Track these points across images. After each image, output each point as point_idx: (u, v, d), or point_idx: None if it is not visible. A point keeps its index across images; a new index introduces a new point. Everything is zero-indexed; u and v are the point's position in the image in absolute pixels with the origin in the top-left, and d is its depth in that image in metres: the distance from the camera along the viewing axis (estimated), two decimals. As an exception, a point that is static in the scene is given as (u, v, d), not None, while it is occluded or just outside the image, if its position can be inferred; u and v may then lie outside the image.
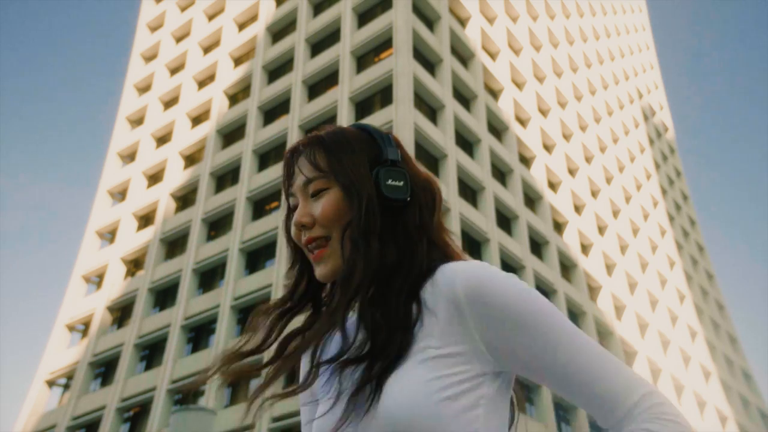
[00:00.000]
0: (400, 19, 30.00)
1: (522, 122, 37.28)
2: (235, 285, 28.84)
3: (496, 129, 34.91)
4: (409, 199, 1.03)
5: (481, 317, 0.92)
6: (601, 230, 41.11)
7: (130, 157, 40.01)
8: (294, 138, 31.00)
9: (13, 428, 32.62)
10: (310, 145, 1.07)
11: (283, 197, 1.13)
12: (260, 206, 31.41)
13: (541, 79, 41.15)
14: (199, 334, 30.00)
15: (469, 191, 30.29)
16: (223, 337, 27.57)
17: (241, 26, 39.23)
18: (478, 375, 0.93)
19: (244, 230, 30.28)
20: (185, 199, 35.39)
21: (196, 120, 37.89)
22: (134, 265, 35.56)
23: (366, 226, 1.00)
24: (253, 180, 31.70)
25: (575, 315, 34.00)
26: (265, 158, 32.83)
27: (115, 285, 34.42)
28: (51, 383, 34.05)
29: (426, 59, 31.28)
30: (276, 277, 27.22)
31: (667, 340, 42.56)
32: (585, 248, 38.84)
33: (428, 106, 30.16)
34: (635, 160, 51.37)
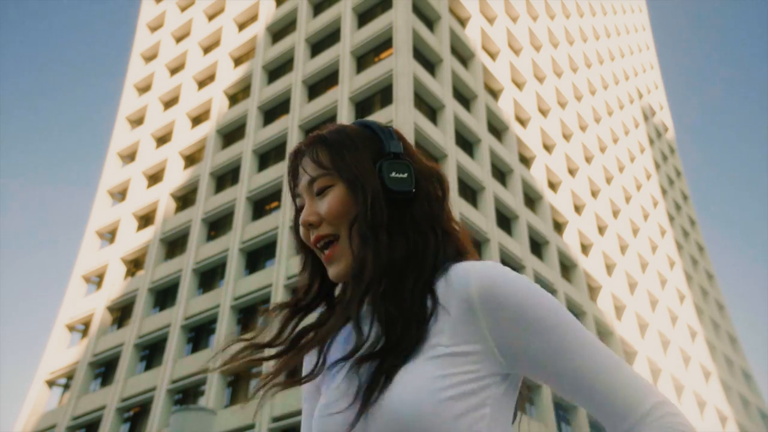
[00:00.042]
0: (400, 19, 30.00)
1: (522, 122, 37.28)
2: (235, 285, 28.84)
3: (496, 129, 34.91)
4: (414, 190, 1.03)
5: (493, 317, 0.92)
6: (601, 230, 41.11)
7: (130, 157, 40.02)
8: (294, 138, 31.00)
9: (13, 428, 32.63)
10: (313, 145, 1.08)
11: (289, 199, 1.13)
12: (260, 206, 31.42)
13: (541, 79, 41.15)
14: (199, 334, 30.00)
15: (469, 191, 30.30)
16: (223, 337, 27.55)
17: (241, 26, 39.24)
18: (486, 375, 0.92)
19: (244, 230, 30.29)
20: (185, 199, 35.40)
21: (196, 120, 37.90)
22: (134, 265, 35.57)
23: (373, 220, 1.00)
24: (253, 180, 31.71)
25: (575, 315, 33.85)
26: (265, 158, 32.83)
27: (115, 285, 34.43)
28: (51, 383, 34.05)
29: (426, 59, 31.29)
30: (276, 277, 27.23)
31: (667, 340, 42.56)
32: (585, 248, 38.84)
33: (428, 106, 30.16)
34: (635, 160, 51.38)
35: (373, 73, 29.68)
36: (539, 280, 31.72)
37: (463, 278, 0.95)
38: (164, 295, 32.61)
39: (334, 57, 31.99)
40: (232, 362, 1.05)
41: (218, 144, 35.14)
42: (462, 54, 34.37)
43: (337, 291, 1.11)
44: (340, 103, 30.02)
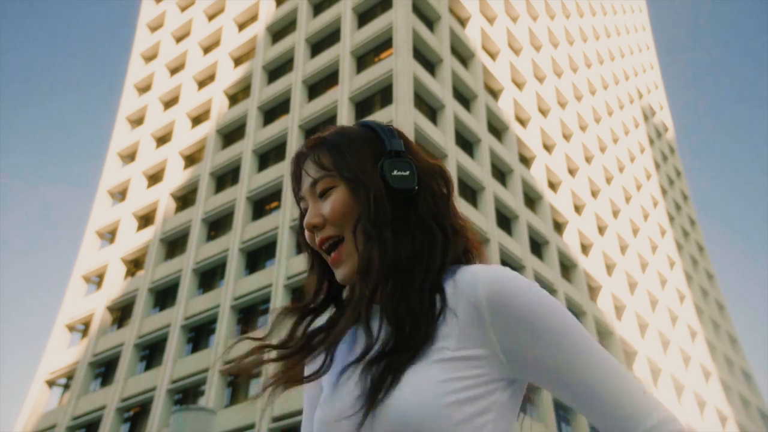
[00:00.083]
0: (400, 19, 30.00)
1: (522, 122, 37.28)
2: (235, 285, 28.84)
3: (496, 129, 34.91)
4: (417, 187, 1.02)
5: (501, 323, 0.91)
6: (601, 230, 41.11)
7: (130, 157, 40.02)
8: (294, 138, 31.00)
9: (13, 428, 32.63)
10: (314, 147, 1.08)
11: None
12: (260, 206, 31.42)
13: (541, 79, 41.15)
14: (199, 334, 30.00)
15: (469, 191, 30.30)
16: (223, 337, 27.57)
17: (241, 26, 39.24)
18: (492, 380, 0.92)
19: (244, 230, 30.29)
20: (185, 199, 35.40)
21: (196, 120, 37.90)
22: (134, 265, 35.57)
23: (376, 218, 1.00)
24: (253, 180, 31.71)
25: (575, 315, 33.82)
26: (265, 158, 32.83)
27: (115, 285, 34.43)
28: (51, 383, 34.05)
29: (426, 59, 31.29)
30: (276, 277, 27.23)
31: (667, 340, 42.56)
32: (585, 248, 38.84)
33: (428, 106, 30.16)
34: (635, 160, 51.38)
35: (373, 73, 29.68)
36: (539, 280, 31.71)
37: (471, 282, 0.94)
38: (164, 295, 32.61)
39: (334, 57, 31.99)
40: (243, 362, 1.05)
41: (218, 144, 35.14)
42: (462, 54, 34.37)
43: (345, 294, 1.10)
44: (340, 103, 30.03)
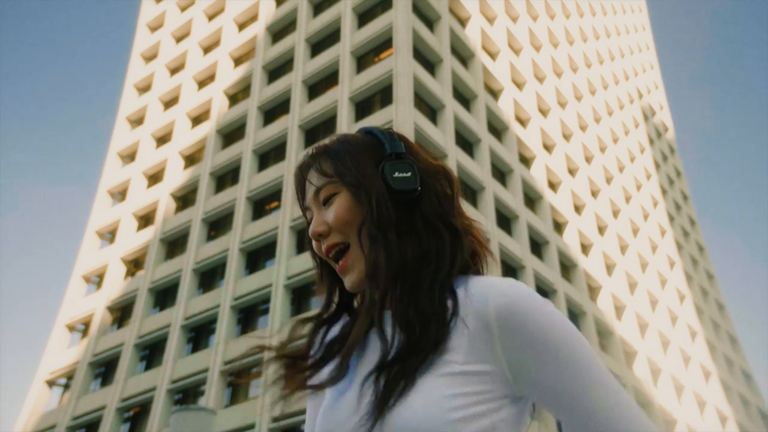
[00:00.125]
0: (400, 19, 30.00)
1: (522, 122, 37.28)
2: (235, 285, 28.83)
3: (496, 129, 34.91)
4: (419, 188, 1.02)
5: (509, 339, 0.90)
6: (601, 230, 41.10)
7: (130, 157, 40.02)
8: (294, 138, 31.01)
9: (13, 428, 32.62)
10: (316, 156, 1.08)
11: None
12: (260, 206, 31.41)
13: (541, 79, 41.15)
14: (199, 334, 30.00)
15: (469, 191, 30.29)
16: (223, 337, 27.57)
17: (241, 26, 39.24)
18: (498, 397, 0.90)
19: (244, 230, 30.29)
20: (185, 199, 35.40)
21: (196, 120, 37.90)
22: (134, 265, 35.56)
23: (379, 221, 0.99)
24: (253, 180, 31.71)
25: (575, 315, 33.99)
26: (265, 158, 32.83)
27: (115, 285, 34.42)
28: (51, 383, 34.04)
29: (426, 59, 31.29)
30: (276, 277, 27.23)
31: (667, 340, 42.55)
32: (585, 248, 38.84)
33: (428, 106, 30.16)
34: (635, 160, 51.37)
35: (373, 73, 29.68)
36: (539, 280, 31.71)
37: (482, 294, 0.93)
38: (164, 295, 32.60)
39: (334, 57, 31.99)
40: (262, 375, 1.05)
41: (218, 144, 35.14)
42: (462, 54, 34.37)
43: (357, 302, 1.10)
44: (340, 103, 30.03)
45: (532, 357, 0.89)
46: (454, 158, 28.97)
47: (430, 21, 32.98)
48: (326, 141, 1.11)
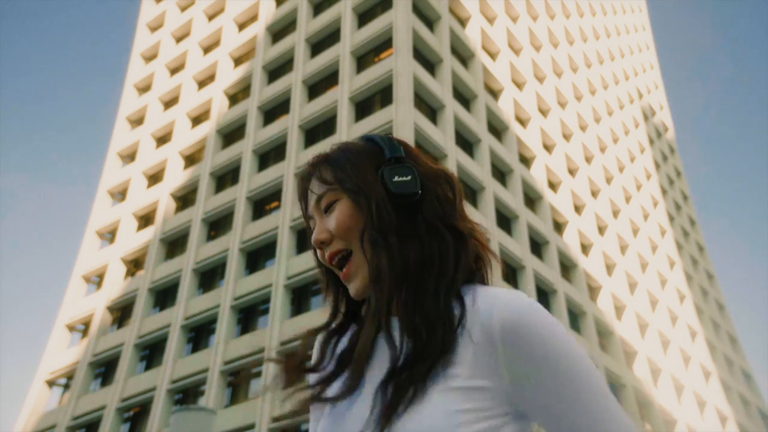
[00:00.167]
0: (400, 19, 30.00)
1: (522, 122, 37.28)
2: (235, 285, 28.83)
3: (496, 129, 34.91)
4: (420, 191, 1.01)
5: (512, 354, 0.89)
6: (601, 230, 41.10)
7: (130, 157, 40.01)
8: (294, 138, 31.01)
9: (13, 428, 32.63)
10: (316, 165, 1.09)
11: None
12: (260, 206, 31.41)
13: (541, 79, 41.15)
14: (199, 334, 30.00)
15: (469, 191, 30.29)
16: (223, 337, 27.57)
17: (241, 26, 39.24)
18: (501, 414, 0.90)
19: (244, 230, 30.28)
20: (185, 199, 35.40)
21: (196, 120, 37.90)
22: (134, 265, 35.56)
23: (380, 225, 0.99)
24: (253, 180, 31.70)
25: (575, 315, 33.99)
26: (265, 158, 32.83)
27: (115, 285, 34.42)
28: (51, 383, 34.04)
29: (426, 59, 31.28)
30: (276, 277, 27.23)
31: (667, 340, 42.55)
32: (585, 248, 38.83)
33: (428, 106, 30.16)
34: (635, 160, 51.37)
35: (373, 73, 29.68)
36: (539, 280, 31.72)
37: (487, 307, 0.93)
38: (164, 295, 32.60)
39: (334, 57, 31.99)
40: (286, 389, 1.05)
41: (218, 144, 35.13)
42: (462, 54, 34.37)
43: (364, 310, 1.09)
44: (340, 103, 30.03)
45: (532, 371, 0.89)
46: (454, 158, 28.97)
47: (430, 21, 32.99)
48: (327, 150, 1.11)
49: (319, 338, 1.10)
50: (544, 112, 39.98)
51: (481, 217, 29.19)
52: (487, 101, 34.02)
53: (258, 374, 25.83)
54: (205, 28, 40.53)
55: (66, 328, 35.13)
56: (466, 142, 31.67)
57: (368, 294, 1.01)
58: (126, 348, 31.02)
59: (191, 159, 36.73)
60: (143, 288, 32.65)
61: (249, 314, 28.56)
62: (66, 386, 33.87)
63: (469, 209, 1.07)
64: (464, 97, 33.30)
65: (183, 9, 43.62)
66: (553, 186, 38.03)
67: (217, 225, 32.78)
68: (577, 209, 39.56)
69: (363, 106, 29.94)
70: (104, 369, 32.58)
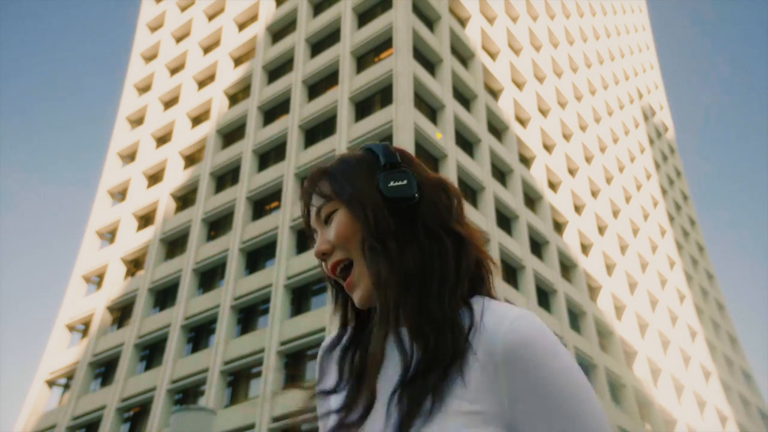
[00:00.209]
0: (400, 19, 30.00)
1: (522, 122, 37.28)
2: (235, 285, 28.83)
3: (496, 129, 34.91)
4: (417, 196, 1.01)
5: (513, 382, 0.89)
6: (601, 230, 41.10)
7: (130, 157, 40.02)
8: (294, 138, 31.01)
9: (13, 428, 32.63)
10: (315, 179, 1.10)
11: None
12: (260, 206, 31.41)
13: (541, 79, 41.15)
14: (199, 334, 29.99)
15: (469, 191, 30.30)
16: (223, 337, 27.57)
17: (241, 26, 39.23)
18: None
19: (244, 230, 30.28)
20: (185, 199, 35.40)
21: (196, 120, 37.89)
22: (134, 265, 35.56)
23: (377, 231, 0.99)
24: (253, 180, 31.70)
25: (575, 315, 34.00)
26: (265, 158, 32.82)
27: (115, 285, 34.42)
28: (51, 383, 34.04)
29: (426, 59, 31.28)
30: (276, 277, 27.22)
31: (667, 340, 42.55)
32: (585, 248, 38.84)
33: (428, 106, 30.16)
34: (635, 160, 51.37)
35: (373, 73, 29.68)
36: (539, 280, 31.73)
37: (493, 327, 0.92)
38: (164, 295, 32.60)
39: (334, 57, 31.99)
40: (301, 417, 1.08)
41: (218, 144, 35.13)
42: (462, 54, 34.37)
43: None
44: (340, 103, 30.02)
45: (530, 401, 0.88)
46: (454, 158, 28.98)
47: (430, 21, 32.98)
48: (324, 163, 1.12)
49: (331, 354, 1.10)
50: (544, 112, 39.98)
51: (481, 217, 29.20)
52: (487, 101, 34.02)
53: (258, 374, 25.84)
54: (205, 28, 40.53)
55: (66, 328, 35.13)
56: (466, 142, 31.67)
57: (374, 302, 1.01)
58: (126, 348, 31.02)
59: (191, 159, 36.73)
60: (143, 288, 32.65)
61: (249, 314, 28.55)
62: (66, 386, 33.87)
63: (469, 209, 1.07)
64: (464, 97, 33.30)
65: (183, 9, 43.63)
66: (553, 186, 38.03)
67: (217, 225, 32.78)
68: (577, 209, 39.56)
69: (363, 106, 29.94)
70: (104, 369, 32.58)
